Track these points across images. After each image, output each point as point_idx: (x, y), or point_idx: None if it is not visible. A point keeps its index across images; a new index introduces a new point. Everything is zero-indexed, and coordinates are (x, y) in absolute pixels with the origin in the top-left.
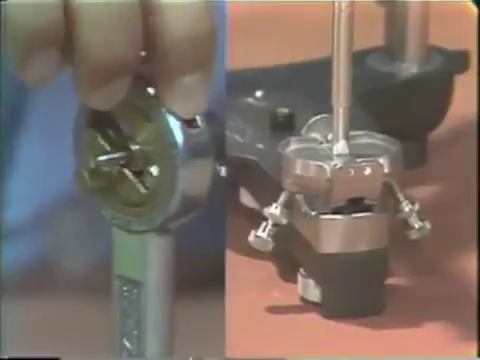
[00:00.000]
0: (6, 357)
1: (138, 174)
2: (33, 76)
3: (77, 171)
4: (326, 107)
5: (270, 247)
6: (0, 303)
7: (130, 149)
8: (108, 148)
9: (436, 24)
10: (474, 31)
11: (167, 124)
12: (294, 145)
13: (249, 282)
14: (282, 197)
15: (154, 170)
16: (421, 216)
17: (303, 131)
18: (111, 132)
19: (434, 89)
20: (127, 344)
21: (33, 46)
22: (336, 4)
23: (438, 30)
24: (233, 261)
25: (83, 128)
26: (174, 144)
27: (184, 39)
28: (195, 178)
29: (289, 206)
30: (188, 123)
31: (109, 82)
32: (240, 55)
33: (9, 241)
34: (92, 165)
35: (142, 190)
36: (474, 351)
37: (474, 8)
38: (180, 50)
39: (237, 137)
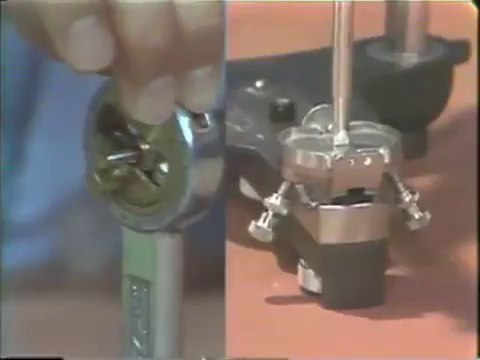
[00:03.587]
0: (5, 357)
1: (148, 173)
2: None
3: (88, 174)
4: (326, 97)
5: (270, 237)
6: (0, 303)
7: (140, 148)
8: (118, 147)
9: (436, 24)
10: (474, 31)
11: (177, 123)
12: (294, 135)
13: (249, 272)
14: (282, 187)
15: (164, 169)
16: (421, 206)
17: (303, 121)
18: (121, 132)
19: (434, 79)
20: (137, 343)
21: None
22: None
23: (438, 31)
24: (233, 251)
25: (93, 128)
26: (184, 143)
27: (199, 33)
28: (205, 177)
29: (289, 196)
30: (198, 122)
31: (151, 83)
32: (240, 45)
33: (20, 239)
34: (102, 165)
35: (152, 189)
36: (474, 342)
37: (474, 8)
38: (195, 43)
39: (237, 127)
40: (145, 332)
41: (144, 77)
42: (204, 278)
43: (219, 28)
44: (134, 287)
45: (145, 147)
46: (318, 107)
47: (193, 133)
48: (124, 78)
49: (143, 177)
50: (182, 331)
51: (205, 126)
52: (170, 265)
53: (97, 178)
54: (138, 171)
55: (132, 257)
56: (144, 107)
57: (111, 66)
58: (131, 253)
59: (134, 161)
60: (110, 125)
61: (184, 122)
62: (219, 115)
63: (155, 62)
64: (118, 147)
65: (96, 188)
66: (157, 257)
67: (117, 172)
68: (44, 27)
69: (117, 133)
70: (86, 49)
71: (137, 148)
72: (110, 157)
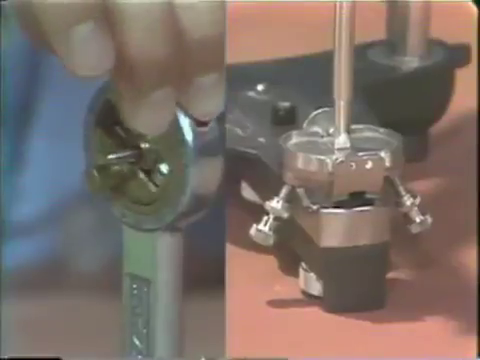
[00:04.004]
0: (5, 357)
1: (148, 172)
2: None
3: (87, 170)
4: (327, 101)
5: (271, 241)
6: (0, 303)
7: (140, 147)
8: (118, 146)
9: (436, 24)
10: (474, 31)
11: (177, 122)
12: (295, 139)
13: (250, 276)
14: (283, 191)
15: (164, 168)
16: (422, 210)
17: (304, 125)
18: (120, 131)
19: (435, 83)
20: (137, 342)
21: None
22: None
23: (438, 31)
24: (234, 254)
25: (93, 127)
26: (184, 142)
27: (204, 41)
28: (205, 176)
29: (290, 200)
30: (198, 121)
31: (152, 95)
32: (241, 48)
33: (20, 239)
34: (101, 163)
35: (152, 188)
36: (474, 345)
37: (474, 8)
38: (199, 52)
39: (238, 131)
40: (145, 331)
41: (145, 88)
42: (204, 278)
43: (223, 35)
44: (134, 286)
45: (145, 146)
46: (319, 110)
47: (193, 132)
48: (124, 88)
49: (142, 176)
50: (182, 330)
51: (205, 125)
52: (170, 264)
53: (95, 174)
54: (138, 170)
55: (132, 256)
56: (144, 119)
57: (112, 73)
58: (131, 252)
59: (134, 160)
60: (111, 122)
61: (184, 121)
62: (219, 114)
63: (156, 73)
64: (118, 146)
65: (94, 184)
66: (157, 256)
67: (116, 168)
68: (44, 29)
69: (117, 129)
70: (86, 55)
71: (137, 147)
72: (110, 156)
